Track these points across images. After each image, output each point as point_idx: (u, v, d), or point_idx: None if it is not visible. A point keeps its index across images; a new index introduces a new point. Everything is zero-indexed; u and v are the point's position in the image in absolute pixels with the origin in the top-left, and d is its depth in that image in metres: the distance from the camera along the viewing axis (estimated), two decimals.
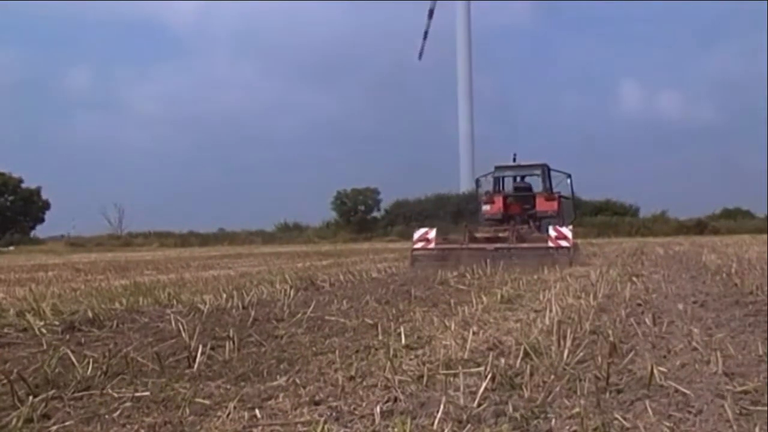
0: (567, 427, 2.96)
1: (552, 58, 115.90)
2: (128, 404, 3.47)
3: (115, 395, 3.63)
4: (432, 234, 15.91)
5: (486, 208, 19.40)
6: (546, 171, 19.67)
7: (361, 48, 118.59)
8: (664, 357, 4.43)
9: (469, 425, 3.01)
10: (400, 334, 5.29)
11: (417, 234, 16.11)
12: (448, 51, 75.06)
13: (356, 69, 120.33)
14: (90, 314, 6.61)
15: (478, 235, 16.38)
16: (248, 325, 6.07)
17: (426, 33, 71.84)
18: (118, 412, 3.34)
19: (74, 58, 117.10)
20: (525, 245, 15.49)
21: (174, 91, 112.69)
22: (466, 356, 4.47)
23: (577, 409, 3.14)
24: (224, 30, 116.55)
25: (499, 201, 19.31)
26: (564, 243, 15.11)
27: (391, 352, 4.68)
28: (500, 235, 16.17)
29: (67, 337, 5.66)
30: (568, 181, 20.32)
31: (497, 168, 20.02)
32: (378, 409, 3.25)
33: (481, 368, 4.00)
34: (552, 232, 15.50)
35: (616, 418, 3.03)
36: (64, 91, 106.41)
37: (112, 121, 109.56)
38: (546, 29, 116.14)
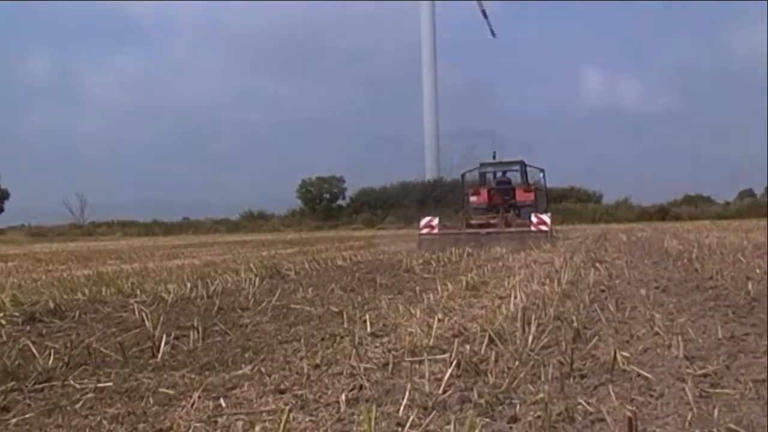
0: (531, 413, 2.98)
1: (518, 47, 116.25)
2: (91, 395, 3.43)
3: (78, 386, 3.59)
4: (435, 221, 19.04)
5: (473, 199, 22.09)
6: (523, 166, 22.85)
7: (327, 36, 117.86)
8: (627, 342, 4.48)
9: (434, 412, 3.02)
10: (365, 321, 5.29)
11: (423, 221, 19.20)
12: (414, 40, 74.88)
13: (321, 57, 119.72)
14: (51, 305, 6.52)
15: (473, 221, 19.54)
16: (213, 315, 6.03)
17: (484, 12, 73.51)
18: (80, 404, 3.30)
19: (32, 44, 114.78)
20: (512, 229, 18.53)
21: (135, 78, 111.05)
22: (431, 343, 4.48)
23: (541, 395, 3.17)
24: (186, 16, 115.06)
25: (484, 193, 22.06)
26: (543, 227, 18.28)
27: (357, 339, 4.68)
28: (491, 221, 19.29)
29: (28, 328, 5.57)
30: (541, 174, 23.81)
31: (481, 164, 23.00)
32: (343, 396, 3.25)
33: (447, 355, 4.02)
34: (533, 219, 18.60)
35: (580, 403, 3.06)
36: (21, 78, 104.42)
37: (71, 109, 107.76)
38: (512, 18, 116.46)
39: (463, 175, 24.08)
